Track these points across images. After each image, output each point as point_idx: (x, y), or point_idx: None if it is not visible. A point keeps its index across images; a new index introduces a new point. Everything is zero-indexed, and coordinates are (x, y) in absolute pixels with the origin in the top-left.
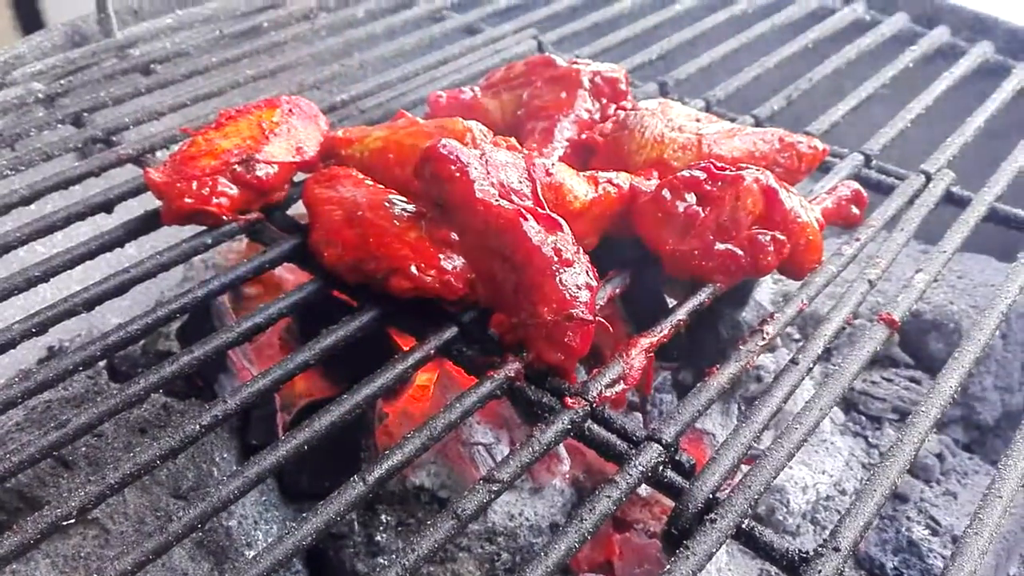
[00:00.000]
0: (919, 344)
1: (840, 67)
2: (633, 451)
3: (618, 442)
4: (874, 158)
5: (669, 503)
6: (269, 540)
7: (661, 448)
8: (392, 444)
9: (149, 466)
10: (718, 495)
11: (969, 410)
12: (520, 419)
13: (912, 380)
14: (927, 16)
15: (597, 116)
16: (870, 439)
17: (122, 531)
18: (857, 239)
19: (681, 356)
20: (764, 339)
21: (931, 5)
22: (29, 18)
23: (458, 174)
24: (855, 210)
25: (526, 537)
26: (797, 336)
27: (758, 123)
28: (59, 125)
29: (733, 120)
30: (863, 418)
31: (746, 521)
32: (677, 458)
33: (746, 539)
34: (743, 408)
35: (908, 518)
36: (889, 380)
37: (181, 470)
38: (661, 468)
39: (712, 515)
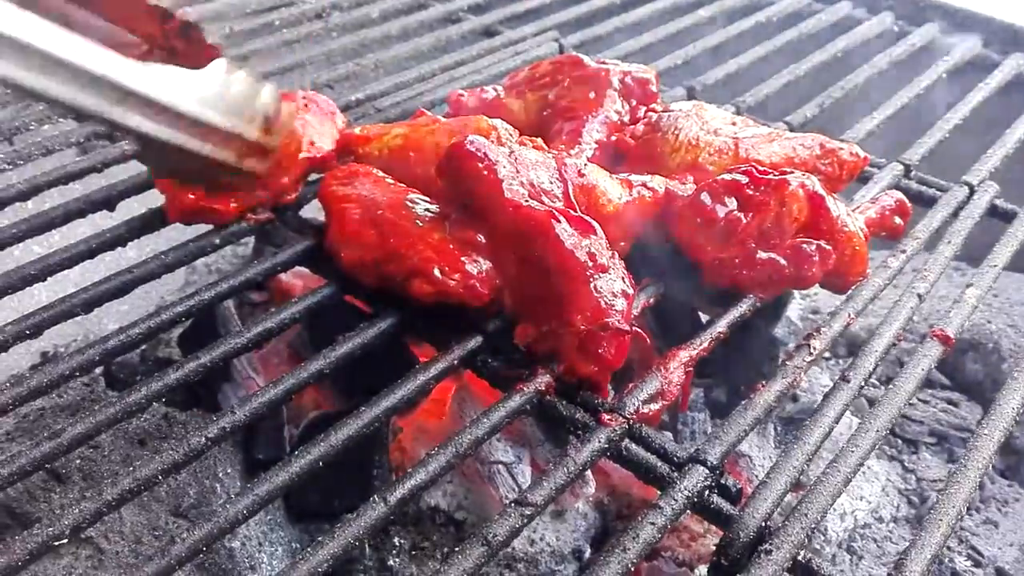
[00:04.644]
0: (956, 364)
1: (871, 76)
2: (675, 474)
3: (659, 464)
4: (914, 168)
5: (698, 529)
6: (274, 563)
7: (706, 471)
8: (406, 460)
9: (150, 482)
10: (770, 523)
11: None
12: (542, 436)
13: (949, 402)
14: (958, 27)
15: (627, 118)
16: (906, 464)
17: (117, 551)
18: (903, 251)
19: (715, 372)
20: (811, 354)
21: (962, 16)
22: None
23: (486, 172)
24: (898, 221)
25: (547, 564)
26: (826, 354)
27: (791, 130)
28: (60, 119)
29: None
30: (899, 441)
31: (802, 553)
32: (723, 482)
33: (803, 572)
34: (779, 428)
35: (949, 548)
36: (925, 402)
37: (182, 486)
38: (707, 493)
39: (766, 546)
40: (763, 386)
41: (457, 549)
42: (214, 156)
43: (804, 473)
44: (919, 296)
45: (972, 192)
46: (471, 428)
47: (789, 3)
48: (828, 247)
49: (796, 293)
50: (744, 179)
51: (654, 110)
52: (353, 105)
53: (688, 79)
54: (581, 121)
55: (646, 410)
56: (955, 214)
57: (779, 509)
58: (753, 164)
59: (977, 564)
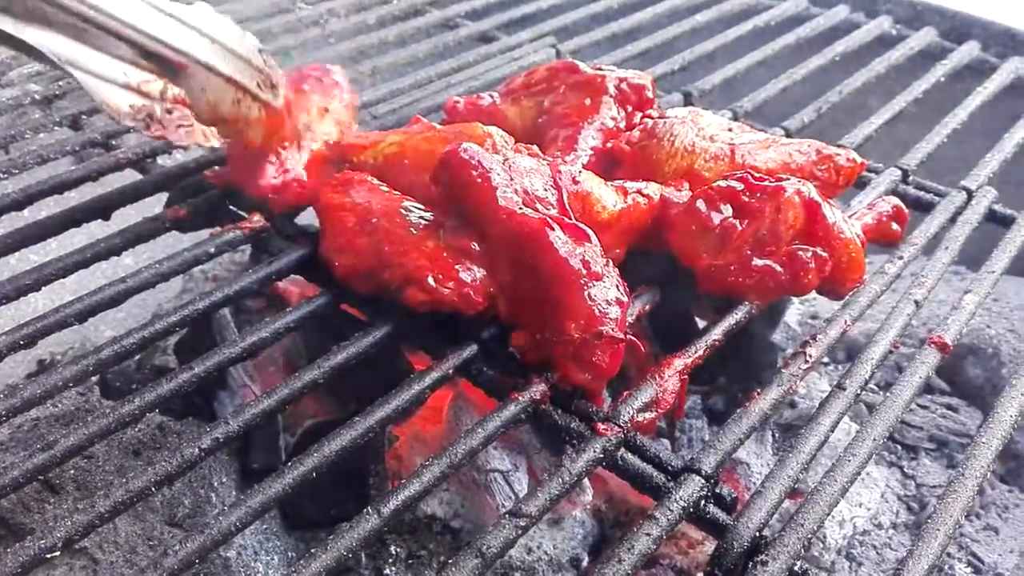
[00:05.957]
0: (955, 370)
1: (869, 81)
2: (671, 483)
3: (654, 473)
4: (911, 173)
5: (696, 536)
6: (270, 572)
7: (701, 480)
8: (402, 469)
9: (143, 493)
10: (765, 533)
11: None
12: (539, 444)
13: (949, 407)
14: (956, 31)
15: (622, 124)
16: (906, 470)
17: (112, 561)
18: (900, 257)
19: (712, 380)
20: (808, 361)
21: (960, 20)
22: None
23: (479, 180)
24: (896, 227)
25: (544, 572)
26: (826, 360)
27: (788, 135)
28: (56, 128)
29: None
30: (898, 447)
31: (799, 563)
32: (718, 491)
33: None
34: (776, 436)
35: (949, 555)
36: (925, 407)
37: (177, 495)
38: (702, 502)
39: (762, 556)
40: (759, 393)
41: (451, 561)
42: (240, 79)
43: (800, 481)
44: (916, 302)
45: (970, 197)
46: (466, 438)
47: (786, 7)
48: (824, 254)
49: (794, 299)
50: (740, 186)
51: (650, 116)
52: None
53: (685, 84)
54: (577, 127)
55: (641, 418)
56: (953, 219)
57: (776, 517)
58: (749, 171)
59: (977, 571)
